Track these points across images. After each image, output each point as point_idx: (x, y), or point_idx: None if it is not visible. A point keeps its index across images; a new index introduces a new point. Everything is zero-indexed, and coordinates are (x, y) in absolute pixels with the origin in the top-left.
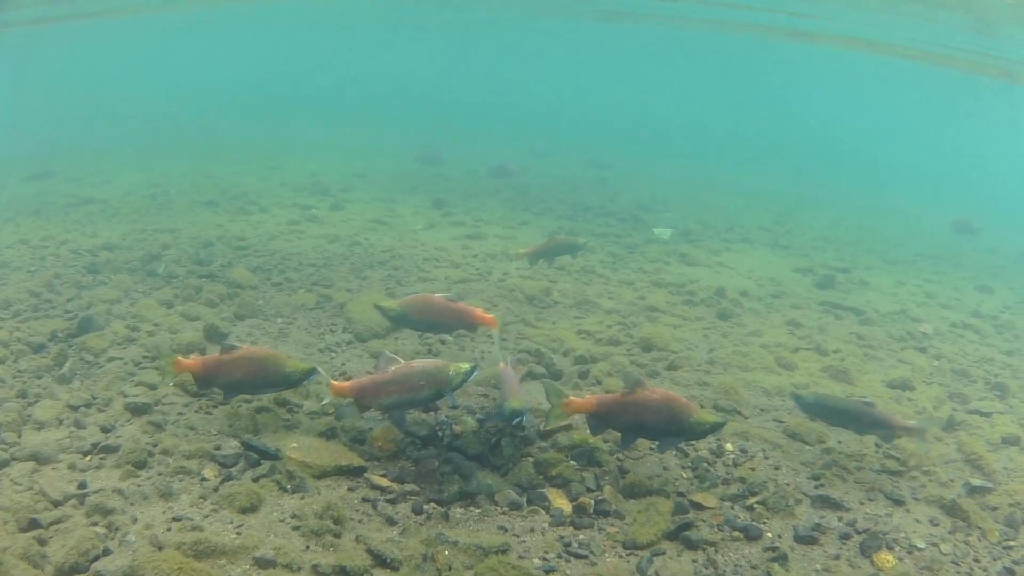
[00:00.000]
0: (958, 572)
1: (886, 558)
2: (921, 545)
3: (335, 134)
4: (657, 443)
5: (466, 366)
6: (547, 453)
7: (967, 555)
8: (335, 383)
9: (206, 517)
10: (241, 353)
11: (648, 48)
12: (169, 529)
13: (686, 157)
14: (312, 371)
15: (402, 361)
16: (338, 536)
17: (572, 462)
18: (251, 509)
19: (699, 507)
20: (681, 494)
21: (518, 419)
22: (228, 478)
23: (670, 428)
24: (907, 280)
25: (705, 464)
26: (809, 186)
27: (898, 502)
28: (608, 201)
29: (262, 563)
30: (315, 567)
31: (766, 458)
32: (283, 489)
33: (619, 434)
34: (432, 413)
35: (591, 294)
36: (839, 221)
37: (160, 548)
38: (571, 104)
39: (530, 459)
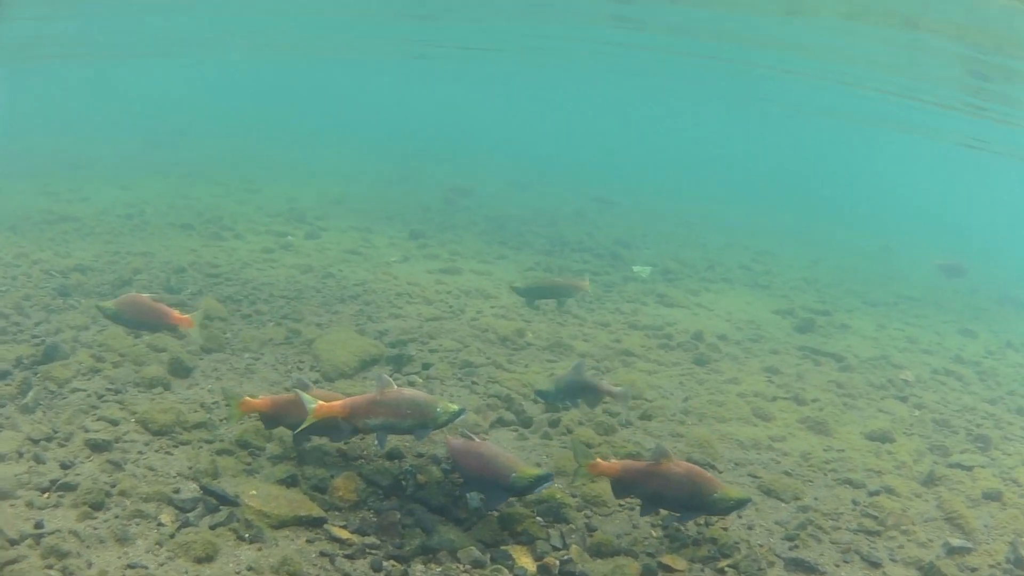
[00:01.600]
0: None
1: None
2: None
3: (315, 157)
4: (679, 518)
5: (455, 407)
6: (513, 507)
7: None
8: (322, 403)
9: (161, 566)
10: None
11: (629, 83)
12: None
13: (665, 191)
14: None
15: (395, 386)
16: None
17: (539, 518)
18: (207, 559)
19: (668, 569)
20: (650, 555)
21: (545, 483)
22: (185, 524)
23: (692, 503)
24: (888, 324)
25: (676, 523)
26: (788, 221)
27: (875, 564)
28: (586, 236)
29: None
30: None
31: (739, 517)
32: (240, 538)
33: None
34: (396, 461)
35: (565, 336)
36: (819, 261)
37: None
38: (557, 136)
39: (495, 513)
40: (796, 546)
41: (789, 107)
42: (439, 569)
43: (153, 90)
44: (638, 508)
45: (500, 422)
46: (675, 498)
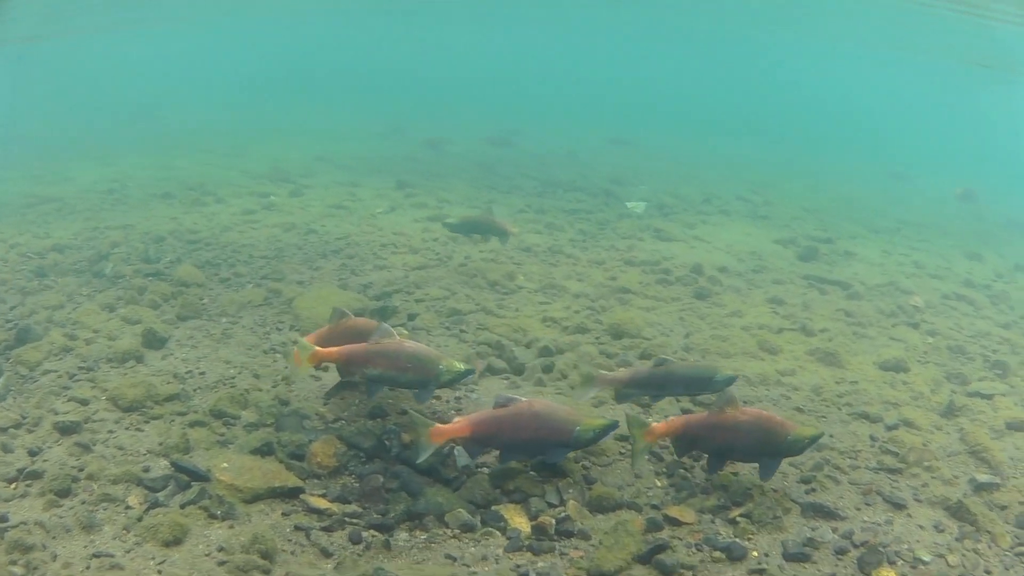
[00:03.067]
0: None
1: (888, 575)
2: (926, 558)
3: (300, 118)
4: (759, 469)
5: (461, 366)
6: (505, 463)
7: (977, 566)
8: (319, 349)
9: (128, 552)
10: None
11: (620, 17)
12: (88, 567)
13: (661, 129)
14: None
15: (398, 336)
16: (267, 572)
17: (532, 472)
18: (175, 542)
19: (675, 523)
20: (655, 507)
21: (611, 431)
22: (155, 504)
23: (765, 449)
24: (893, 250)
25: (683, 470)
26: (787, 154)
27: (899, 506)
28: (579, 176)
29: None
30: None
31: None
32: (212, 516)
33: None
34: (379, 420)
35: (558, 276)
36: (818, 190)
37: None
38: (547, 79)
39: (485, 470)
40: (813, 489)
41: (795, 32)
42: (424, 536)
43: (128, 65)
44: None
45: (490, 370)
46: (745, 447)
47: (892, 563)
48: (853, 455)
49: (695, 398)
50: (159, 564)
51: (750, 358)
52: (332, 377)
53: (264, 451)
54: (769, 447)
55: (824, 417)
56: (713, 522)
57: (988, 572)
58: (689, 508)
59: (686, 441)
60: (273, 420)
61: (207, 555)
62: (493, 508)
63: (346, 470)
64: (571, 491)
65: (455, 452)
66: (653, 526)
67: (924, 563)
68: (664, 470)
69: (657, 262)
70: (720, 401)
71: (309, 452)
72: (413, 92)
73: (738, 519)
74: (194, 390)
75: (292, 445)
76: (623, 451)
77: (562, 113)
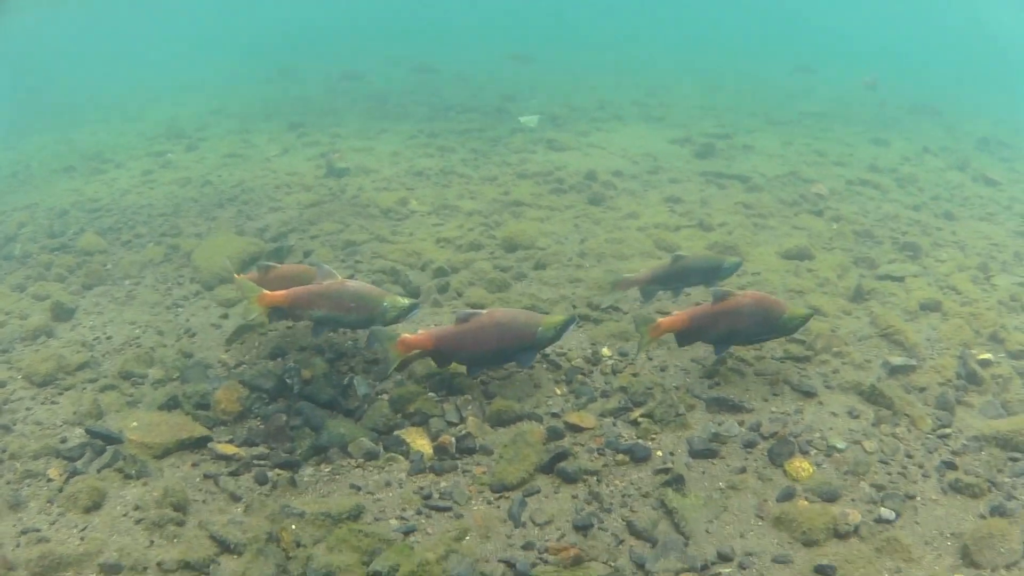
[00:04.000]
0: (889, 473)
1: (801, 465)
2: (841, 445)
3: (193, 72)
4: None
5: (405, 301)
6: (403, 387)
7: (897, 451)
8: (266, 292)
9: (52, 524)
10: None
11: None
12: (18, 545)
13: (565, 43)
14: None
15: (339, 277)
16: (181, 524)
17: (431, 393)
18: (94, 507)
19: (576, 429)
20: (555, 415)
21: (571, 325)
22: (74, 473)
23: (764, 330)
24: (794, 140)
25: (580, 375)
26: (686, 57)
27: (808, 394)
28: (471, 97)
29: (108, 569)
30: (160, 564)
31: (650, 359)
32: (127, 477)
33: None
34: (280, 360)
35: (451, 197)
36: (717, 89)
37: (11, 569)
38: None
39: (385, 396)
40: (717, 383)
41: None
42: (329, 469)
43: (10, 43)
44: (537, 366)
45: None
46: (746, 330)
47: (805, 453)
48: (758, 346)
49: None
50: (82, 531)
51: (647, 258)
52: (232, 323)
53: (171, 405)
54: (768, 328)
55: None
56: (615, 425)
57: (909, 456)
58: (589, 413)
59: (690, 333)
60: (179, 374)
61: (125, 515)
62: (395, 433)
63: (251, 413)
64: (470, 408)
65: (355, 381)
66: (554, 435)
67: (839, 451)
68: (563, 378)
69: (550, 172)
70: (718, 295)
71: (213, 400)
72: (303, 34)
73: (639, 420)
74: (103, 355)
75: (197, 396)
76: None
77: (464, 34)
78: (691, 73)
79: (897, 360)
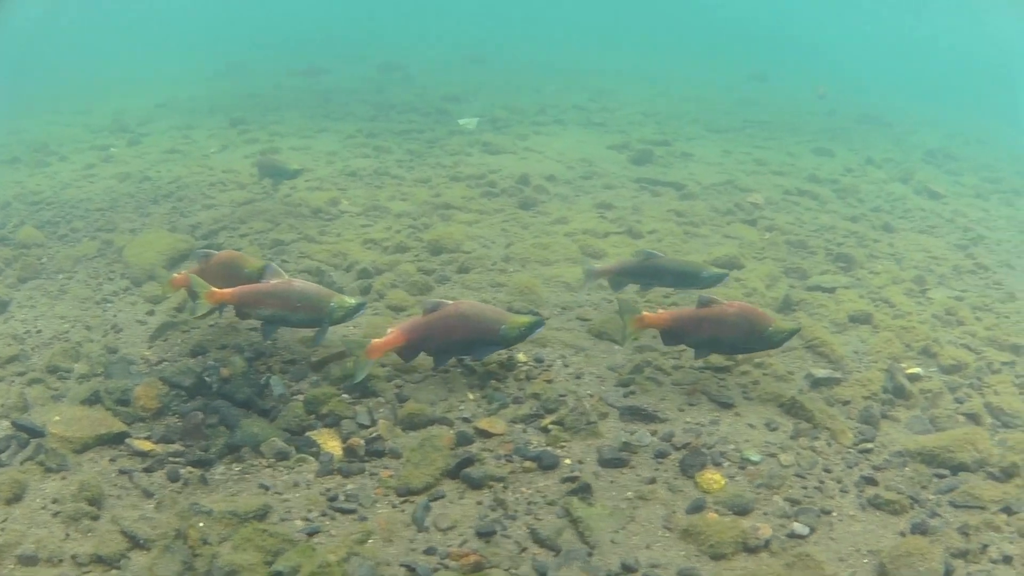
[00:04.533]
0: (805, 487)
1: (712, 477)
2: (755, 458)
3: (144, 65)
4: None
5: (352, 301)
6: (318, 388)
7: (814, 465)
8: (214, 290)
9: None
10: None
11: None
12: None
13: (521, 45)
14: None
15: (286, 276)
16: (96, 518)
17: (345, 395)
18: (15, 499)
19: (486, 435)
20: (467, 420)
21: (538, 328)
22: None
23: (748, 341)
24: (735, 149)
25: (494, 381)
26: (635, 64)
27: (725, 405)
28: (415, 97)
29: (25, 560)
30: (74, 557)
31: (566, 366)
32: (48, 470)
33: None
34: (200, 357)
35: (383, 198)
36: (664, 94)
37: None
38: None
39: (300, 398)
40: (632, 392)
41: None
42: (240, 468)
43: None
44: (452, 371)
45: None
46: (730, 339)
47: (718, 465)
48: (677, 355)
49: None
50: (2, 523)
51: (572, 263)
52: (158, 320)
53: (92, 400)
54: (752, 339)
55: None
56: (525, 432)
57: (828, 470)
58: (500, 419)
59: (674, 333)
60: (103, 369)
61: (43, 508)
62: (307, 434)
63: (169, 410)
64: (382, 410)
65: (271, 381)
66: (463, 440)
67: (753, 463)
68: (477, 383)
69: (483, 175)
70: (703, 301)
71: (133, 397)
72: (257, 30)
73: (550, 427)
74: (32, 349)
75: (118, 391)
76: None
77: (423, 34)
78: (639, 79)
79: (821, 372)
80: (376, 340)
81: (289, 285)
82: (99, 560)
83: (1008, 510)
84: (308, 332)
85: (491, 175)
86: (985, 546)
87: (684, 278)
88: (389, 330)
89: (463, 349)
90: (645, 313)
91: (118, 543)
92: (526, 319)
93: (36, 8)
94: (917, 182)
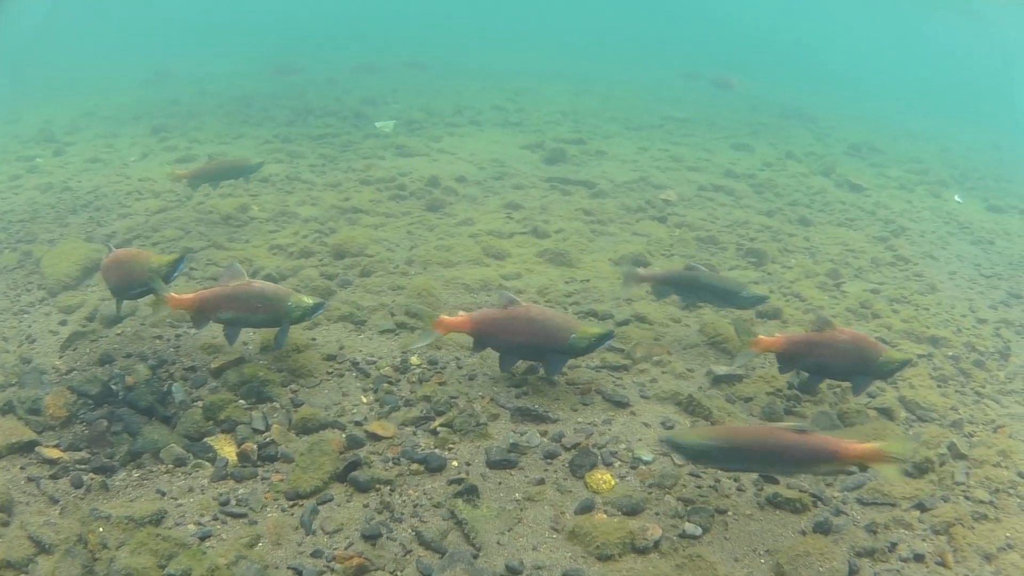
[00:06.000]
0: (699, 487)
1: (603, 477)
2: (647, 457)
3: (73, 73)
4: (852, 385)
5: (310, 301)
6: (217, 394)
7: None
8: (173, 295)
9: None
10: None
11: None
12: None
13: (459, 49)
14: (181, 260)
15: (247, 277)
16: (6, 524)
17: (241, 401)
18: None
19: (376, 438)
20: (358, 423)
21: (607, 340)
22: None
23: (858, 369)
24: (651, 146)
25: (387, 384)
26: (559, 63)
27: (620, 404)
28: (334, 101)
29: None
30: None
31: (459, 368)
32: None
33: None
34: (107, 366)
35: (292, 203)
36: (584, 94)
37: None
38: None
39: (199, 404)
40: (525, 393)
41: None
42: (139, 474)
43: None
44: (347, 375)
45: None
46: (841, 366)
47: (608, 464)
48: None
49: None
50: None
51: (474, 265)
52: (69, 330)
53: (6, 410)
54: (862, 367)
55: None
56: (415, 434)
57: None
58: (390, 422)
59: (787, 357)
60: (17, 379)
61: None
62: (205, 440)
63: (77, 418)
64: (277, 415)
65: (173, 388)
66: (354, 443)
67: (645, 463)
68: (371, 386)
69: (393, 179)
70: (820, 321)
71: (43, 405)
72: (179, 36)
73: (438, 429)
74: None
75: (29, 401)
76: (330, 371)
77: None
78: (561, 78)
79: (722, 369)
80: (446, 316)
81: (249, 287)
82: (8, 565)
83: (921, 507)
84: (215, 340)
85: (401, 178)
86: (894, 544)
87: (723, 295)
88: (460, 313)
89: (531, 354)
90: (760, 337)
91: (26, 548)
92: (596, 329)
93: None
94: (839, 175)
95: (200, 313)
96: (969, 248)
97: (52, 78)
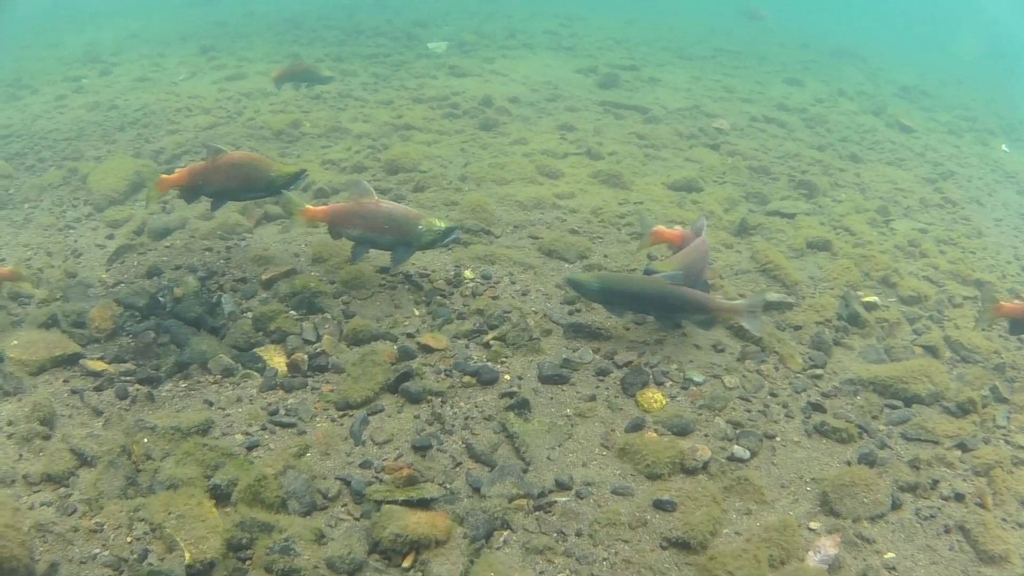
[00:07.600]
0: (749, 411)
1: (653, 396)
2: (698, 378)
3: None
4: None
5: (442, 224)
6: (267, 305)
7: (760, 388)
8: (308, 207)
9: None
10: (225, 159)
11: None
12: None
13: None
14: (301, 173)
15: (376, 196)
16: (47, 438)
17: (292, 312)
18: None
19: (428, 350)
20: (410, 335)
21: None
22: None
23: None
24: (704, 76)
25: (440, 297)
26: None
27: (672, 325)
28: (384, 23)
29: None
30: (26, 477)
31: (512, 283)
32: (5, 394)
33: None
34: (155, 279)
35: (344, 120)
36: (634, 21)
37: None
38: None
39: (249, 315)
40: (578, 309)
41: None
42: (186, 384)
43: None
44: (400, 287)
45: (266, 217)
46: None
47: (660, 384)
48: (629, 269)
49: None
50: None
51: (527, 183)
52: (116, 243)
53: (49, 324)
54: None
55: (600, 238)
56: (467, 347)
57: (773, 394)
58: (443, 334)
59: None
60: (62, 293)
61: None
62: (254, 351)
63: (123, 331)
64: (328, 326)
65: (222, 299)
66: (405, 355)
67: (696, 384)
68: (423, 299)
69: (446, 97)
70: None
71: (89, 318)
72: None
73: (491, 343)
74: None
75: (74, 314)
76: (383, 283)
77: None
78: (612, 6)
79: (773, 296)
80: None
81: (377, 206)
82: (49, 479)
83: (963, 446)
84: (267, 251)
85: (454, 97)
86: (936, 481)
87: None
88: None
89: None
90: (1001, 302)
91: (67, 461)
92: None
93: None
94: (889, 115)
95: (332, 226)
96: (1015, 197)
97: (94, 1)
